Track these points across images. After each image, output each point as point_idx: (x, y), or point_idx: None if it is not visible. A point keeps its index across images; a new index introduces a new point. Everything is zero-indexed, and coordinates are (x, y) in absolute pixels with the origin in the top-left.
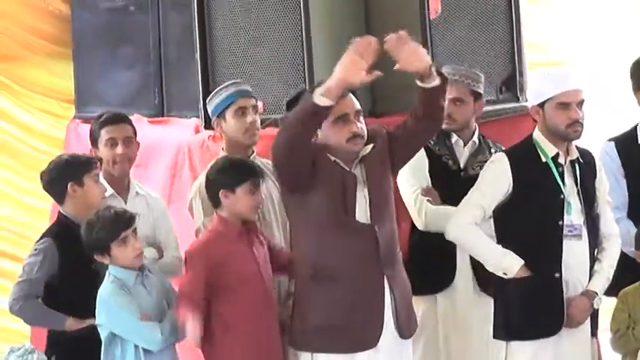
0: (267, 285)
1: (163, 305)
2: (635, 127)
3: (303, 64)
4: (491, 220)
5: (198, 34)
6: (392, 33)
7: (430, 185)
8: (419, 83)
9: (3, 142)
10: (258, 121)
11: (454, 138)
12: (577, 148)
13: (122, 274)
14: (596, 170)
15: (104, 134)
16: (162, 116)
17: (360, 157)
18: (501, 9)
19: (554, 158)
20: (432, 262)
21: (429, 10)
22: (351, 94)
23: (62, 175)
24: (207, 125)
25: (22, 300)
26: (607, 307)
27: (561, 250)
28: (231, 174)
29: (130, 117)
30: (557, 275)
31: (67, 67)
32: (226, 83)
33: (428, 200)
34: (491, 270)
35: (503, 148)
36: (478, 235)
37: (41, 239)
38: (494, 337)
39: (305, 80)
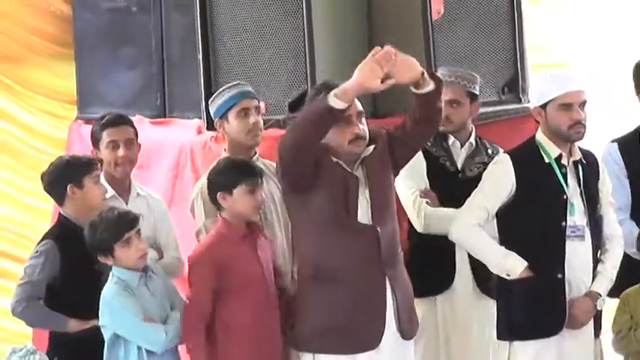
0: (270, 287)
1: (166, 307)
2: (638, 129)
3: (306, 65)
4: (495, 220)
5: (201, 35)
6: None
7: (428, 187)
8: (414, 90)
9: (5, 142)
10: (261, 122)
11: (451, 140)
12: (580, 149)
13: (126, 276)
14: (599, 171)
15: (106, 136)
16: (165, 117)
17: (361, 159)
18: (504, 10)
19: (557, 159)
20: (431, 264)
21: (431, 11)
22: None
23: (62, 177)
24: (210, 126)
25: (25, 302)
26: (609, 308)
27: (564, 251)
28: (227, 176)
29: (131, 118)
30: (559, 276)
31: (69, 68)
32: (229, 84)
33: (426, 202)
34: (494, 271)
35: (500, 149)
36: (481, 236)
37: (42, 241)
38: (498, 337)
39: (307, 81)
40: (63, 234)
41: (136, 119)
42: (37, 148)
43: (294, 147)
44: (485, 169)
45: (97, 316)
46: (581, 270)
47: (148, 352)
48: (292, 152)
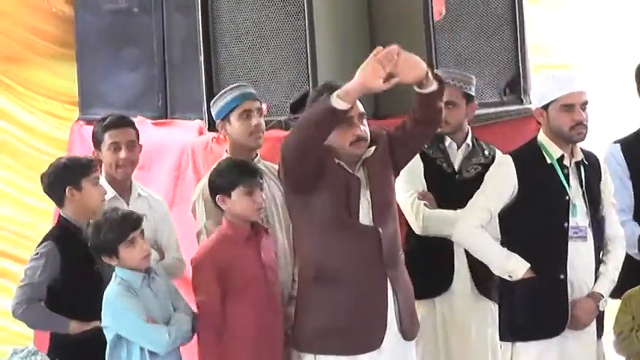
0: (272, 289)
1: (169, 308)
2: None
3: (307, 66)
4: (497, 220)
5: (202, 36)
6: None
7: (426, 189)
8: (417, 89)
9: (6, 143)
10: (263, 124)
11: (447, 141)
12: (582, 150)
13: (129, 276)
14: (601, 172)
15: (107, 138)
16: (166, 118)
17: (362, 160)
18: (505, 12)
19: (559, 160)
20: (429, 266)
21: (433, 12)
22: None
23: (60, 179)
24: (211, 127)
25: (25, 304)
26: (610, 309)
27: (566, 252)
28: (225, 178)
29: (133, 119)
30: (561, 277)
31: (70, 69)
32: (231, 86)
33: (424, 204)
34: (496, 273)
35: (497, 150)
36: (484, 238)
37: (42, 243)
38: (500, 338)
39: (309, 82)
40: (63, 235)
41: (137, 120)
42: (38, 148)
43: (298, 148)
44: (482, 170)
45: (97, 318)
46: (584, 271)
47: (151, 353)
48: (295, 153)
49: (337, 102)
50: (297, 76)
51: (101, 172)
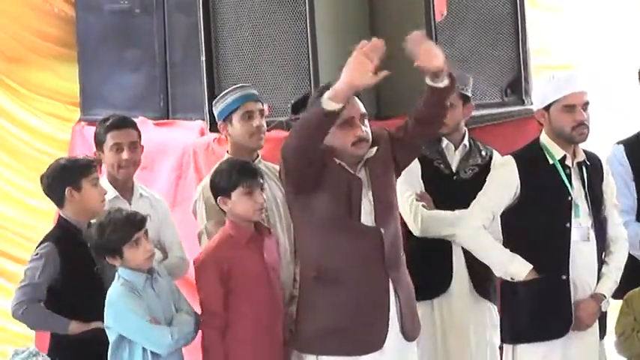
0: (274, 289)
1: (172, 308)
2: None
3: (309, 67)
4: (499, 221)
5: (204, 37)
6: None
7: (424, 190)
8: (430, 82)
9: (8, 144)
10: (265, 126)
11: (445, 142)
12: (584, 151)
13: (132, 277)
14: (603, 173)
15: (110, 139)
16: (168, 119)
17: (364, 160)
18: (506, 12)
19: (562, 161)
20: (428, 268)
21: (434, 12)
22: (356, 98)
23: (60, 180)
24: (213, 128)
25: (25, 304)
26: (612, 309)
27: (569, 253)
28: (225, 179)
29: (135, 119)
30: (564, 277)
31: (72, 70)
32: (233, 87)
33: (422, 205)
34: (498, 275)
35: (495, 151)
36: (487, 239)
37: (42, 243)
38: (502, 340)
39: (310, 83)
40: (63, 236)
41: (139, 121)
42: (40, 149)
43: (297, 151)
44: (479, 171)
45: (97, 318)
46: (586, 271)
47: (153, 353)
48: (295, 155)
49: (328, 104)
50: (299, 77)
51: (101, 172)
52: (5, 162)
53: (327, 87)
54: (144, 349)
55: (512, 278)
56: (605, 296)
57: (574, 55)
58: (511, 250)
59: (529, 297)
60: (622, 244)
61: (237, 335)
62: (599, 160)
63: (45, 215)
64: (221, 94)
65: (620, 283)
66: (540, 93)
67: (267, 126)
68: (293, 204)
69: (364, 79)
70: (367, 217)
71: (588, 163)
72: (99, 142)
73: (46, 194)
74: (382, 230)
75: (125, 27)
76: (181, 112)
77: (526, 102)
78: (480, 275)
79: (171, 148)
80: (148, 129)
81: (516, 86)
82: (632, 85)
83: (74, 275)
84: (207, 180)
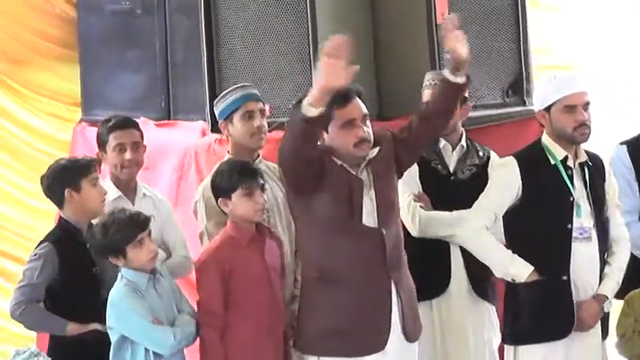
0: (274, 290)
1: (174, 309)
2: None
3: (310, 67)
4: (501, 222)
5: (205, 37)
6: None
7: (421, 191)
8: (448, 76)
9: (10, 144)
10: (266, 126)
11: (442, 143)
12: (585, 151)
13: (135, 277)
14: (605, 173)
15: (112, 140)
16: (169, 119)
17: (366, 161)
18: (507, 13)
19: (563, 161)
20: (426, 269)
21: (436, 13)
22: (357, 99)
23: (59, 181)
24: (214, 128)
25: (24, 305)
26: (613, 310)
27: (570, 253)
28: (225, 181)
29: (136, 120)
30: (564, 278)
31: (74, 71)
32: (234, 86)
33: (420, 206)
34: (499, 276)
35: (492, 151)
36: (488, 240)
37: (41, 244)
38: (504, 341)
39: (312, 83)
40: (62, 237)
41: (140, 121)
42: (41, 150)
43: (291, 156)
44: (477, 172)
45: (96, 319)
46: (588, 272)
47: (155, 354)
48: (290, 160)
49: (307, 109)
50: (301, 77)
51: (100, 172)
52: (6, 162)
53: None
54: (146, 350)
55: (513, 279)
56: (607, 297)
57: (574, 55)
58: (513, 251)
59: (530, 298)
60: (624, 245)
61: (238, 336)
62: (601, 161)
63: (45, 216)
64: (222, 94)
65: (622, 283)
66: (541, 94)
67: (269, 126)
68: (294, 205)
69: (336, 79)
70: (369, 217)
71: (590, 163)
72: (101, 143)
73: (46, 195)
74: (383, 231)
75: (126, 28)
76: (182, 112)
77: (527, 103)
78: (479, 276)
79: (172, 148)
80: (149, 130)
81: (517, 87)
82: (632, 84)
83: (73, 276)
84: (207, 180)
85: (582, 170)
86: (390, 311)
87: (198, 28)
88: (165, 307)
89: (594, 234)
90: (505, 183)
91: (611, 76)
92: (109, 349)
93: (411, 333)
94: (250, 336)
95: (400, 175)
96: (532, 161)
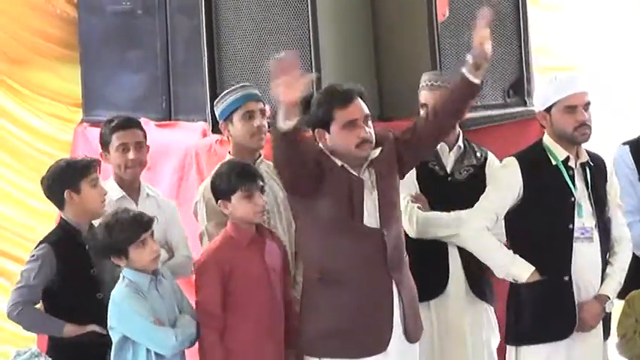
0: (274, 292)
1: (175, 310)
2: None
3: (311, 69)
4: (502, 222)
5: (206, 38)
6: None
7: (419, 192)
8: (467, 73)
9: (11, 145)
10: (266, 126)
11: (439, 144)
12: (587, 151)
13: (136, 278)
14: (606, 174)
15: (115, 140)
16: (170, 120)
17: (369, 161)
18: (508, 13)
19: (565, 162)
20: (424, 270)
21: (436, 13)
22: (359, 99)
23: (58, 183)
24: (215, 129)
25: (21, 306)
26: (616, 310)
27: (571, 253)
28: (224, 183)
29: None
30: (566, 278)
31: (75, 71)
32: (234, 87)
33: (418, 207)
34: (500, 276)
35: (489, 152)
36: (489, 240)
37: (39, 245)
38: (505, 342)
39: (313, 84)
40: (61, 238)
41: (141, 122)
42: (41, 150)
43: (283, 163)
44: (474, 172)
45: (94, 321)
46: (590, 272)
47: (157, 355)
48: (284, 165)
49: (283, 124)
50: None
51: (100, 172)
52: (6, 162)
53: (328, 89)
54: (148, 351)
55: (514, 280)
56: (609, 297)
57: (575, 55)
58: (514, 251)
59: (532, 298)
60: (626, 245)
61: (238, 337)
62: (603, 161)
63: (46, 216)
64: (222, 94)
65: (623, 283)
66: (541, 95)
67: (269, 126)
68: (296, 206)
69: (295, 93)
70: (371, 218)
71: (592, 163)
72: (104, 143)
73: (46, 196)
74: (384, 231)
75: (127, 28)
76: (183, 113)
77: (528, 103)
78: (476, 276)
79: (173, 149)
80: (150, 130)
81: (518, 87)
82: (632, 84)
83: (70, 277)
84: (208, 181)
85: (584, 170)
86: (392, 312)
87: (199, 28)
88: (167, 307)
89: (596, 234)
90: (506, 183)
91: (612, 76)
92: (108, 349)
93: (412, 333)
94: (250, 337)
95: (402, 177)
96: (533, 162)
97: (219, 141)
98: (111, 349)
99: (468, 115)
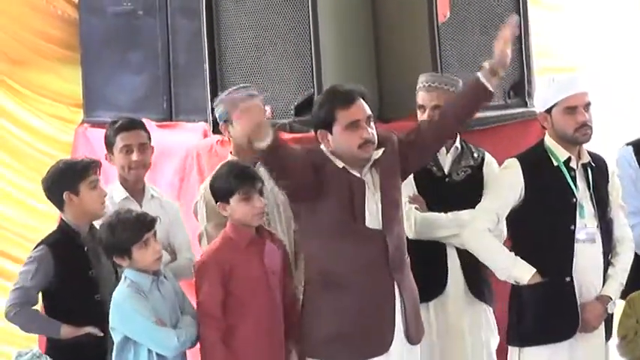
0: (273, 294)
1: (177, 310)
2: None
3: (312, 69)
4: (504, 223)
5: (207, 39)
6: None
7: (416, 193)
8: (482, 78)
9: (12, 145)
10: None
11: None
12: (588, 152)
13: (138, 278)
14: (608, 174)
15: (119, 141)
16: (171, 121)
17: (372, 162)
18: (509, 14)
19: (566, 162)
20: (423, 271)
21: (437, 14)
22: (361, 100)
23: (57, 185)
24: (216, 129)
25: (18, 307)
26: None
27: (572, 254)
28: (223, 185)
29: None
30: (567, 279)
31: (76, 72)
32: (234, 87)
33: (415, 208)
34: (502, 278)
35: (486, 152)
36: (491, 242)
37: (37, 247)
38: (508, 343)
39: (314, 85)
40: (60, 240)
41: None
42: (42, 150)
43: (277, 179)
44: (471, 173)
45: (91, 322)
46: (592, 273)
47: (159, 355)
48: (278, 181)
49: (259, 145)
50: (302, 79)
51: (100, 174)
52: (7, 163)
53: (330, 90)
54: (149, 351)
55: (516, 282)
56: (611, 298)
57: (575, 56)
58: (516, 252)
59: (534, 299)
60: (628, 245)
61: (238, 338)
62: (605, 162)
63: (46, 216)
64: (220, 96)
65: (625, 284)
66: (541, 96)
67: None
68: (297, 209)
69: (261, 132)
70: (373, 219)
71: (593, 164)
72: (109, 144)
73: (47, 198)
74: (386, 233)
75: (128, 29)
76: (184, 114)
77: (529, 104)
78: (475, 277)
79: (174, 150)
80: (151, 131)
81: (519, 88)
82: (632, 85)
83: (69, 279)
84: (207, 182)
85: (585, 171)
86: (394, 314)
87: (199, 29)
88: (169, 308)
89: (598, 235)
90: (508, 185)
91: (612, 77)
92: (106, 350)
93: (413, 335)
94: (250, 339)
95: (404, 178)
96: (535, 163)
97: (220, 141)
98: (110, 349)
99: None
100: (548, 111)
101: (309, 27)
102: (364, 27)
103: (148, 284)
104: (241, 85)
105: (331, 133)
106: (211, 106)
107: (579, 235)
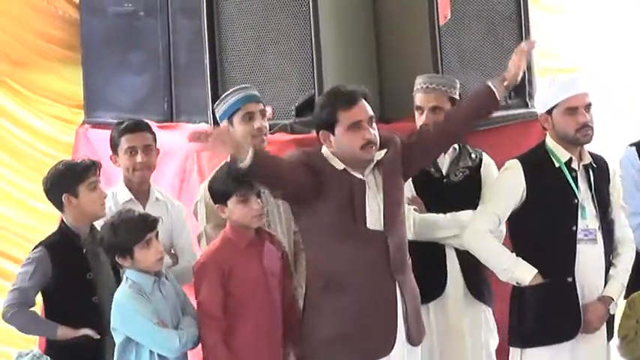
0: (272, 295)
1: (179, 311)
2: None
3: (313, 70)
4: (504, 224)
5: (208, 39)
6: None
7: (415, 194)
8: (493, 86)
9: (11, 145)
10: (267, 127)
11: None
12: (590, 153)
13: (140, 279)
14: (609, 175)
15: (124, 143)
16: (172, 121)
17: (374, 163)
18: (510, 15)
19: (568, 163)
20: (422, 272)
21: (438, 15)
22: (363, 100)
23: (57, 186)
24: None
25: (15, 307)
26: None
27: (574, 255)
28: (220, 187)
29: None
30: (569, 280)
31: (76, 73)
32: (234, 88)
33: (414, 209)
34: (503, 279)
35: (484, 153)
36: (492, 243)
37: (36, 248)
38: (509, 344)
39: (314, 86)
40: (58, 241)
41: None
42: (43, 151)
43: (271, 190)
44: (469, 174)
45: (89, 324)
46: (593, 274)
47: (160, 356)
48: (273, 192)
49: (240, 164)
50: (303, 79)
51: (100, 175)
52: (7, 163)
53: (332, 90)
54: (151, 352)
55: (517, 283)
56: (612, 299)
57: (576, 57)
58: (517, 253)
59: (536, 300)
60: (629, 246)
61: (238, 339)
62: (606, 162)
63: (46, 217)
64: (222, 96)
65: (627, 284)
66: (542, 97)
67: (271, 128)
68: (297, 211)
69: (242, 150)
70: (375, 220)
71: (594, 165)
72: (114, 146)
73: (48, 199)
74: (387, 234)
75: (129, 30)
76: (185, 114)
77: (530, 105)
78: (474, 278)
79: (174, 151)
80: None
81: (520, 89)
82: (633, 85)
83: (66, 280)
84: (207, 182)
85: (587, 172)
86: (396, 315)
87: (200, 30)
88: (170, 309)
89: (599, 236)
90: (509, 186)
91: (612, 77)
92: (105, 352)
93: (414, 337)
94: (249, 340)
95: (406, 179)
96: (536, 164)
97: None
98: (106, 350)
99: None
100: (549, 112)
101: (310, 27)
102: (365, 27)
103: (149, 285)
104: (241, 85)
105: (333, 134)
106: (212, 106)
107: (580, 236)
